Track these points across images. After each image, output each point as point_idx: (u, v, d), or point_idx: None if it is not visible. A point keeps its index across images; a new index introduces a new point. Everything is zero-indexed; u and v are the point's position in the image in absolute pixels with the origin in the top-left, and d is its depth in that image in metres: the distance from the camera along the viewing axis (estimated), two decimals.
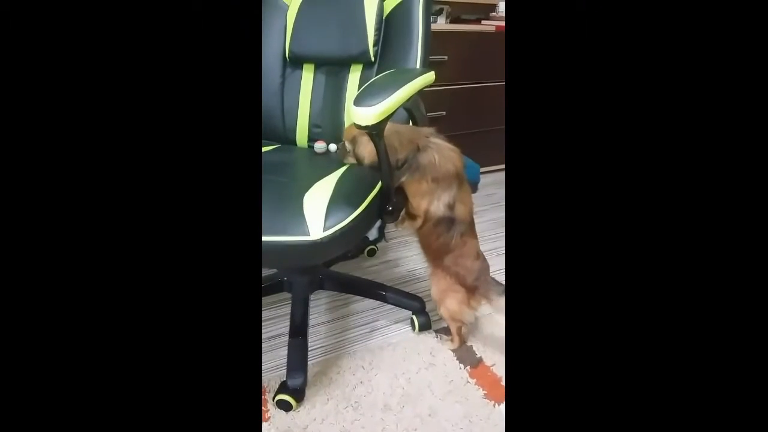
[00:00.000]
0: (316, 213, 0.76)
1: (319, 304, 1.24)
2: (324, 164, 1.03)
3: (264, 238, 0.73)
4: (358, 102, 0.73)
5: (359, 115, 0.73)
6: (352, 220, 0.78)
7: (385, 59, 1.09)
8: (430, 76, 0.90)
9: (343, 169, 0.94)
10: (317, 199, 0.80)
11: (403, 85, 0.79)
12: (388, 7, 1.10)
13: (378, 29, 1.09)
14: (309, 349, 1.07)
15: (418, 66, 1.05)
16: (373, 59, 1.10)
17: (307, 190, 0.82)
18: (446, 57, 1.84)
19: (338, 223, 0.76)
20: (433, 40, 1.79)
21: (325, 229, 0.74)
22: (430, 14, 1.08)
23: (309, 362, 1.02)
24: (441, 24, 1.91)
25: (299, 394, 0.92)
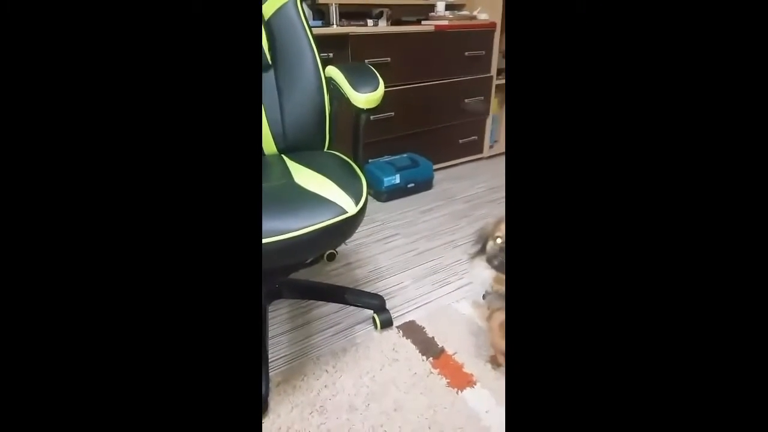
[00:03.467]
0: (338, 195, 0.85)
1: (281, 314, 1.23)
2: (267, 166, 1.05)
3: (308, 229, 0.79)
4: (358, 90, 0.88)
5: (365, 99, 0.88)
6: (367, 191, 0.90)
7: (282, 61, 1.13)
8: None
9: (295, 163, 1.01)
10: (322, 186, 0.88)
11: (376, 74, 0.94)
12: (267, 13, 1.13)
13: (268, 34, 1.12)
14: (270, 360, 1.06)
15: (319, 65, 1.11)
16: (270, 63, 1.13)
17: (298, 186, 0.89)
18: (389, 59, 1.87)
19: (361, 196, 0.87)
20: (376, 42, 1.84)
21: (356, 204, 0.85)
22: (307, 17, 1.13)
23: (271, 373, 1.01)
24: (382, 26, 1.94)
25: (262, 405, 0.91)
